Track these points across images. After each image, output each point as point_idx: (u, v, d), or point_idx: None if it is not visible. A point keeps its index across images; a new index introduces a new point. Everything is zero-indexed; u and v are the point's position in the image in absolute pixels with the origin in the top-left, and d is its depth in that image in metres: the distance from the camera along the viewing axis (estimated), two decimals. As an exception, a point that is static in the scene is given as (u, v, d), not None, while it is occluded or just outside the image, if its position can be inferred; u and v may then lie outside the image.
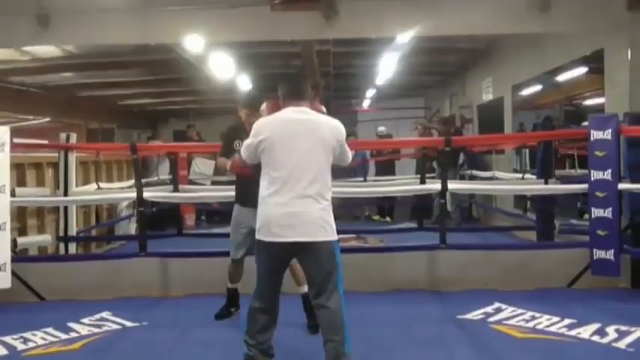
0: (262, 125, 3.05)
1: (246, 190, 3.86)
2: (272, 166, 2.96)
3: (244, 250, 4.08)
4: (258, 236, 2.98)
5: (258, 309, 3.10)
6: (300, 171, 2.91)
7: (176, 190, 6.11)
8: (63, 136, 6.27)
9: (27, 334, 3.98)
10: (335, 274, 2.98)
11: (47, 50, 7.44)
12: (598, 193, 4.73)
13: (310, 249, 2.93)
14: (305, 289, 3.87)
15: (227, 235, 6.47)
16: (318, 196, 2.93)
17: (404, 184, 7.30)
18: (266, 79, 9.30)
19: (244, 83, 10.48)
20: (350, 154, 3.22)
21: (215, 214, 9.97)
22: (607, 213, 4.68)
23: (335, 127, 3.07)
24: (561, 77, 7.17)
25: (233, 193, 4.27)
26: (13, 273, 4.61)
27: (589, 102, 7.09)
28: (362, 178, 9.38)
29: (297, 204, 2.89)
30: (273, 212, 2.91)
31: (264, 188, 2.98)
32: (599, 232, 4.72)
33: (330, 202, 3.01)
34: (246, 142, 3.12)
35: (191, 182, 8.95)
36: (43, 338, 3.94)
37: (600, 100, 6.04)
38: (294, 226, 2.88)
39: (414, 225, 7.16)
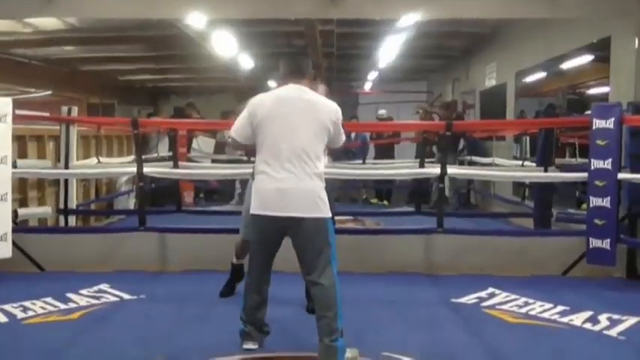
0: (258, 102, 3.06)
1: None
2: (268, 142, 2.98)
3: None
4: (252, 211, 3.01)
5: (250, 287, 3.16)
6: (295, 148, 2.94)
7: (176, 166, 6.13)
8: (65, 109, 6.27)
9: (27, 303, 4.02)
10: (327, 251, 3.01)
11: (50, 23, 7.40)
12: (597, 182, 4.74)
13: (303, 225, 2.95)
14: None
15: (225, 213, 6.53)
16: (313, 174, 2.97)
17: (403, 167, 7.31)
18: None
19: (246, 62, 10.43)
20: (343, 136, 3.23)
21: (213, 192, 10.01)
22: (605, 202, 4.69)
23: (332, 108, 3.09)
24: (566, 65, 7.14)
25: (232, 172, 4.29)
26: (14, 243, 4.63)
27: (593, 91, 7.07)
28: (361, 161, 9.39)
29: (292, 180, 2.92)
30: (268, 187, 2.95)
31: (260, 163, 3.01)
32: (597, 221, 4.73)
33: (323, 181, 3.04)
34: (240, 120, 3.11)
35: (189, 160, 8.95)
36: (42, 307, 3.99)
37: (605, 89, 6.02)
38: (289, 201, 2.92)
39: (411, 209, 7.19)
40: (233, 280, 4.33)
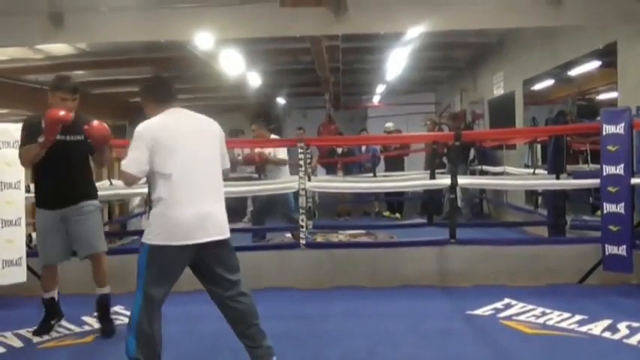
0: (154, 130, 2.90)
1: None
2: (176, 169, 2.84)
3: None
4: (163, 242, 2.83)
5: (154, 326, 2.92)
6: (205, 172, 2.93)
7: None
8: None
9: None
10: (238, 263, 3.07)
11: (60, 48, 7.53)
12: (610, 188, 4.70)
13: (222, 246, 2.96)
14: (107, 289, 3.93)
15: (237, 231, 6.51)
16: (220, 194, 3.00)
17: (413, 179, 7.29)
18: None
19: (254, 79, 10.51)
20: (228, 156, 3.16)
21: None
22: (619, 208, 4.65)
23: (218, 127, 3.10)
24: (574, 71, 7.11)
25: (244, 189, 4.27)
26: (29, 267, 4.67)
27: (603, 96, 7.02)
28: (372, 174, 9.39)
29: (206, 204, 2.89)
30: (182, 215, 2.83)
31: (162, 192, 2.85)
32: (611, 227, 4.68)
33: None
34: (134, 152, 2.88)
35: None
36: (57, 331, 4.01)
37: (614, 95, 5.99)
38: (208, 226, 2.88)
39: (424, 220, 7.16)
40: (48, 317, 4.00)
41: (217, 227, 2.92)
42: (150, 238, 2.87)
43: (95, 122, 3.70)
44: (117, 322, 4.19)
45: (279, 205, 6.37)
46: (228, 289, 3.00)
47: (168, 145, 2.86)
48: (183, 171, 2.86)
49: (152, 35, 5.92)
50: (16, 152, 4.23)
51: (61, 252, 3.88)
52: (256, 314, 3.03)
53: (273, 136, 7.02)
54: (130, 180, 2.96)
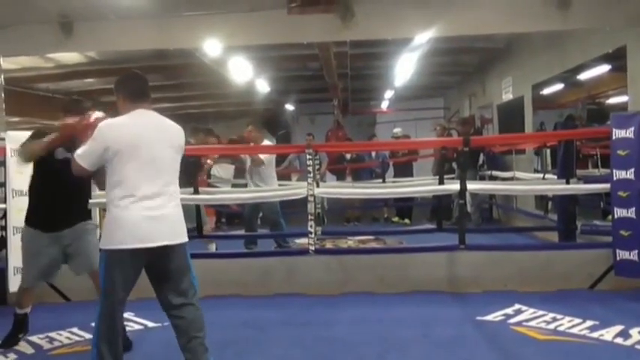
0: (114, 130, 2.85)
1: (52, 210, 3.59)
2: (131, 171, 2.80)
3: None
4: (116, 246, 2.79)
5: (115, 335, 2.89)
6: (162, 175, 2.87)
7: (196, 192, 6.18)
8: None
9: (52, 334, 4.08)
10: (190, 272, 2.98)
11: (70, 57, 7.62)
12: (621, 193, 4.66)
13: (175, 251, 2.89)
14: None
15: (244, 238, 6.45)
16: (177, 199, 2.94)
17: (422, 184, 7.28)
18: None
19: (262, 86, 10.56)
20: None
21: (235, 217, 10.06)
22: (630, 213, 4.61)
23: (181, 131, 3.03)
24: (583, 75, 7.07)
25: (253, 195, 4.26)
26: (39, 275, 4.70)
27: (613, 100, 6.98)
28: (381, 180, 9.38)
29: (161, 207, 2.83)
30: (137, 217, 2.78)
31: (119, 194, 2.81)
32: (622, 232, 4.64)
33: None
34: (91, 146, 2.85)
35: (210, 186, 9.03)
36: (68, 338, 4.04)
37: (625, 98, 5.95)
38: (162, 229, 2.82)
39: (433, 226, 7.13)
40: (17, 331, 3.92)
41: (170, 232, 2.86)
42: (104, 243, 2.84)
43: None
44: (128, 329, 4.20)
45: (265, 209, 6.55)
46: (173, 297, 2.92)
47: (127, 148, 2.80)
48: (139, 175, 2.81)
49: (161, 43, 5.97)
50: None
51: (45, 275, 3.76)
52: (200, 328, 2.93)
53: (266, 142, 7.07)
54: (79, 171, 2.93)
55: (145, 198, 2.80)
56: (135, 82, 3.02)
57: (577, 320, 4.04)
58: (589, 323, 3.97)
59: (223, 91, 11.11)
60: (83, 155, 2.87)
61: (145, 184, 2.81)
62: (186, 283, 2.94)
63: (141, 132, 2.86)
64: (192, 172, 6.68)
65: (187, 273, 2.96)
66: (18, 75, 8.26)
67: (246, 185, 6.99)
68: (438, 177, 6.89)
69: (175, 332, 2.97)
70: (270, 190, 6.32)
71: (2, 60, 5.55)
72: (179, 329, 2.95)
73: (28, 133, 4.23)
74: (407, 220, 9.92)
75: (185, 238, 2.95)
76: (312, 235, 5.21)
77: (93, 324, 4.03)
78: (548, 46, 7.50)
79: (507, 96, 9.46)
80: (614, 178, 4.69)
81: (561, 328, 3.93)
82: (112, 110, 3.02)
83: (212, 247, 6.56)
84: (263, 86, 10.70)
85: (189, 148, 4.43)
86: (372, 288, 5.00)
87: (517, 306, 4.43)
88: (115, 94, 3.00)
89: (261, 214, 6.83)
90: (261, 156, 6.46)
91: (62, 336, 4.06)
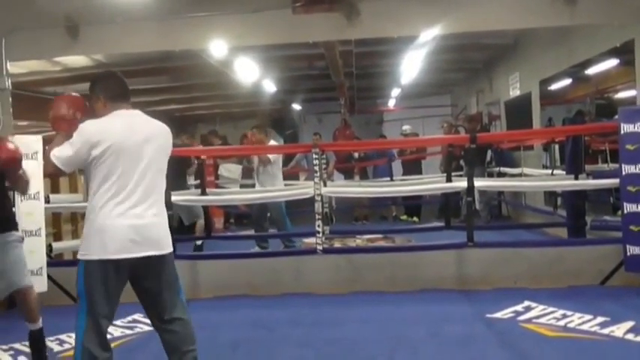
0: (100, 131, 2.61)
1: None
2: (116, 175, 2.58)
3: None
4: (97, 256, 2.56)
5: (102, 345, 2.64)
6: (148, 180, 2.64)
7: (204, 193, 6.20)
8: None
9: (62, 336, 4.10)
10: (179, 284, 2.79)
11: (77, 60, 7.65)
12: (630, 188, 4.62)
13: (162, 262, 2.69)
14: (38, 325, 3.47)
15: (256, 238, 6.48)
16: (163, 206, 2.74)
17: (430, 182, 7.26)
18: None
19: (269, 86, 10.57)
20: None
21: (244, 217, 10.08)
22: (640, 208, 4.57)
23: (168, 132, 2.82)
24: (591, 70, 7.02)
25: (261, 195, 4.23)
26: (49, 277, 4.74)
27: (622, 95, 6.92)
28: (389, 178, 9.36)
29: (149, 215, 2.62)
30: (120, 225, 2.56)
31: (101, 199, 2.58)
32: (633, 227, 4.60)
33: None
34: (74, 146, 2.60)
35: (218, 187, 9.06)
36: (78, 340, 4.05)
37: (633, 93, 5.90)
38: (149, 239, 2.62)
39: (441, 224, 7.11)
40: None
41: (155, 242, 2.65)
42: (84, 254, 2.60)
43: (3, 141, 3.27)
44: (137, 330, 4.23)
45: (270, 209, 6.60)
46: (161, 311, 2.72)
47: (112, 151, 2.57)
48: (123, 180, 2.59)
49: (167, 45, 5.99)
50: (35, 164, 4.30)
51: None
52: (192, 341, 2.74)
53: (272, 142, 7.11)
54: (53, 171, 2.69)
55: (130, 204, 2.58)
56: (114, 81, 2.81)
57: (587, 317, 4.01)
58: (600, 319, 3.93)
59: (230, 91, 11.12)
60: (62, 158, 2.62)
61: (130, 188, 2.59)
62: (174, 295, 2.74)
63: (126, 133, 2.63)
64: (180, 172, 6.77)
65: (176, 285, 2.76)
66: (26, 79, 8.30)
67: (254, 186, 7.01)
68: (445, 174, 6.87)
69: (165, 348, 2.75)
70: (277, 190, 6.34)
71: (10, 64, 5.58)
72: (170, 345, 2.73)
73: (36, 138, 4.26)
74: (415, 218, 9.89)
75: (171, 248, 2.74)
76: (320, 235, 5.20)
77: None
78: (555, 42, 7.45)
79: (515, 92, 9.41)
80: (623, 173, 4.65)
81: (572, 325, 3.91)
82: (89, 113, 2.80)
83: (197, 242, 6.65)
84: (270, 86, 10.71)
85: (200, 150, 4.43)
86: (381, 287, 4.99)
87: (527, 303, 4.40)
88: (92, 95, 2.78)
89: (269, 214, 6.86)
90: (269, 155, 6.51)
91: (72, 338, 4.01)
